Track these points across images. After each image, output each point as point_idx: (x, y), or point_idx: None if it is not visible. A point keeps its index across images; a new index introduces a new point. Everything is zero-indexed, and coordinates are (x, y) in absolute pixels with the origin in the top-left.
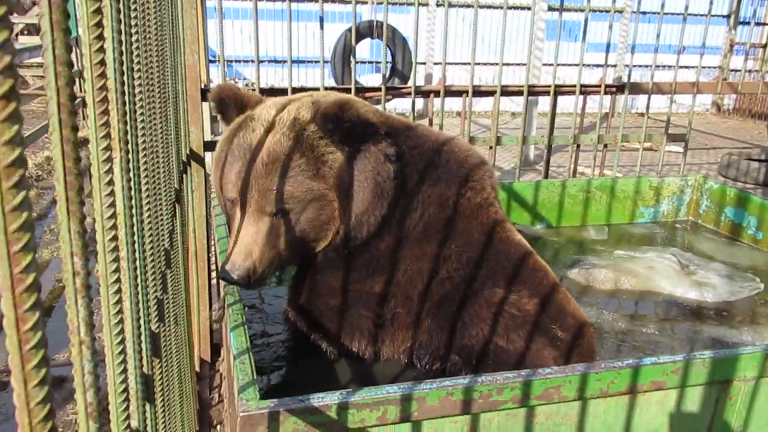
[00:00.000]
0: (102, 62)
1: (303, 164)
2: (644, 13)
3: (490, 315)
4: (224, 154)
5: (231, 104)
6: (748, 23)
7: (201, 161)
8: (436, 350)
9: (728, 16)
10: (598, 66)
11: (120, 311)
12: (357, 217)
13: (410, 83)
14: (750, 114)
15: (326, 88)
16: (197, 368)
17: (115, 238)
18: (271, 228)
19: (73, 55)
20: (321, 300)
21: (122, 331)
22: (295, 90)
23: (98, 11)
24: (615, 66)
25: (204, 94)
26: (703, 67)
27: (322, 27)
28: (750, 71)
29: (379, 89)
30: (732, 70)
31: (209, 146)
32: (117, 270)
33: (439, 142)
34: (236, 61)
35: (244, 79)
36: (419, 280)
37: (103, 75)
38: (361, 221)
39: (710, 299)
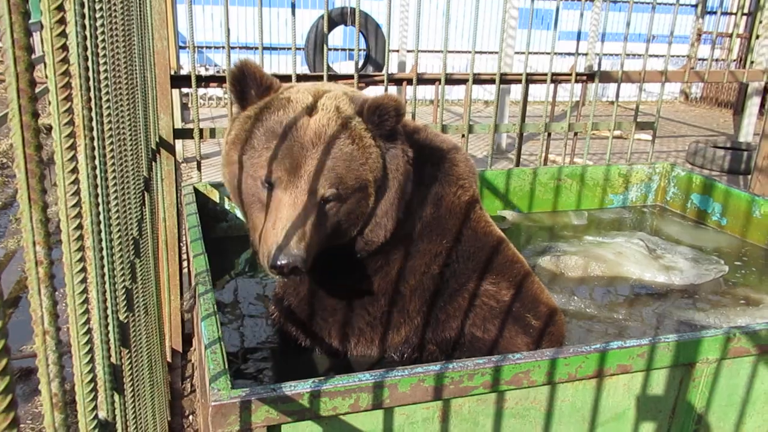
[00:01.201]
0: (64, 47)
1: (354, 150)
2: (615, 1)
3: (471, 307)
4: (254, 134)
5: (254, 84)
6: (715, 13)
7: (171, 149)
8: (420, 345)
9: (696, 6)
10: (569, 54)
11: (86, 301)
12: (377, 219)
13: (383, 71)
14: (717, 102)
15: (298, 76)
16: (169, 358)
17: (80, 227)
18: (320, 212)
19: (36, 41)
20: (318, 302)
21: (88, 321)
22: None
23: None
24: (586, 54)
25: (173, 80)
26: (672, 56)
27: (294, 13)
28: (717, 60)
29: (352, 77)
30: (699, 59)
31: (179, 134)
32: (82, 259)
33: (428, 140)
34: (207, 47)
35: (215, 65)
36: (412, 276)
37: (65, 60)
38: (379, 224)
39: (678, 282)
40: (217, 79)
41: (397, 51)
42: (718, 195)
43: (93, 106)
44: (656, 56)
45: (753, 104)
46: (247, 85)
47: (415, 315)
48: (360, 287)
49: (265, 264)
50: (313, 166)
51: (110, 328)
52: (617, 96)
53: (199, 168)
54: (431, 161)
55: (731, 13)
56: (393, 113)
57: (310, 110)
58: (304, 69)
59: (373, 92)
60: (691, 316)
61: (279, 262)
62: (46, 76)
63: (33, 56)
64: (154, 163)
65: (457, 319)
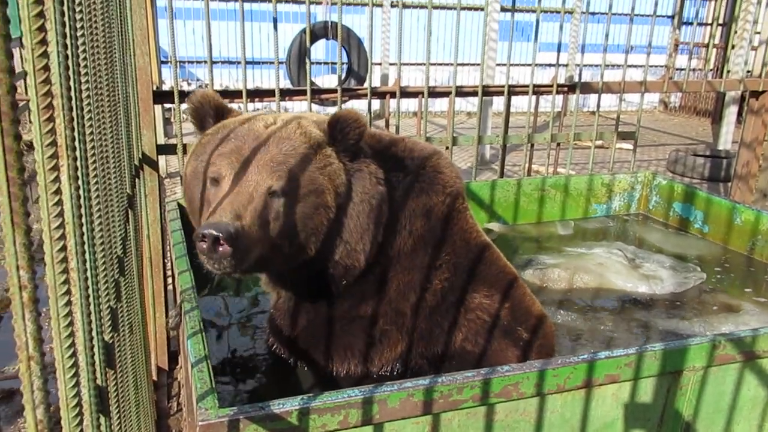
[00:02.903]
0: (46, 67)
1: (311, 154)
2: (593, 13)
3: (466, 321)
4: (212, 142)
5: (212, 113)
6: (691, 23)
7: (154, 165)
8: (408, 359)
9: (672, 17)
10: (550, 66)
11: (71, 323)
12: (349, 245)
13: (366, 84)
14: (695, 111)
15: (282, 90)
16: (154, 377)
17: (63, 248)
18: (264, 204)
19: (16, 58)
20: (314, 330)
21: (73, 343)
22: (249, 92)
23: (41, 14)
24: (566, 65)
25: (156, 96)
26: (650, 66)
27: (276, 27)
28: (694, 70)
29: (335, 91)
30: (677, 69)
31: (162, 150)
32: (67, 281)
33: (409, 150)
34: (189, 62)
35: (198, 80)
36: (411, 293)
37: (47, 81)
38: (355, 249)
39: (659, 292)
40: None
41: (380, 64)
42: (699, 203)
43: (75, 125)
44: (635, 66)
45: (731, 113)
46: (206, 114)
47: (412, 331)
48: (358, 312)
49: (195, 240)
50: (262, 159)
51: (95, 349)
52: (598, 106)
53: (183, 183)
54: (414, 172)
55: (707, 24)
56: (354, 125)
57: (270, 124)
58: (286, 83)
59: (356, 105)
60: (676, 325)
61: (201, 231)
62: (26, 93)
63: (14, 74)
64: (137, 180)
65: (450, 333)
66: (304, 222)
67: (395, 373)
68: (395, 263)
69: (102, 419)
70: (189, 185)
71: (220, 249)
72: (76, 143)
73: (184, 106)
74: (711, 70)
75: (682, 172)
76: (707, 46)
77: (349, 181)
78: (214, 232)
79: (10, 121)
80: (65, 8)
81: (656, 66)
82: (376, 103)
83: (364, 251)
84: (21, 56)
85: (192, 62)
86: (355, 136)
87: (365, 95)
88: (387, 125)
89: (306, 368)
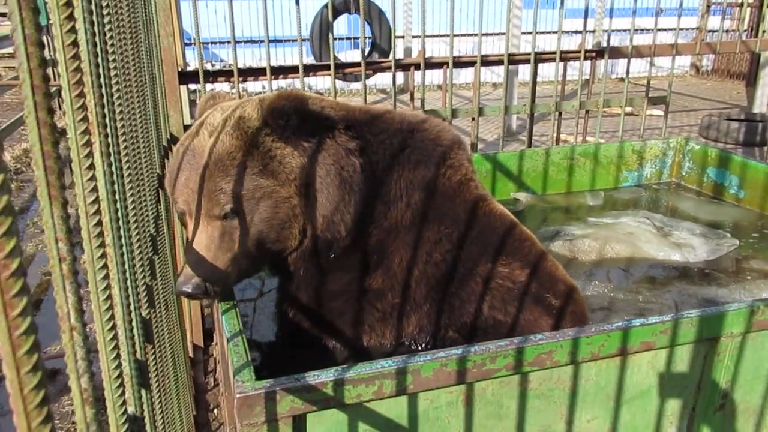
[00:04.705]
0: (74, 43)
1: (248, 161)
2: None
3: (486, 290)
4: (176, 164)
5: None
6: None
7: None
8: (436, 332)
9: None
10: (576, 32)
11: (109, 297)
12: (327, 218)
13: (390, 57)
14: (728, 74)
15: (305, 66)
16: (191, 353)
17: (99, 223)
18: (223, 232)
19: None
20: (323, 304)
21: (113, 317)
22: (273, 69)
23: None
24: (593, 32)
25: (181, 77)
26: (681, 29)
27: (297, 3)
28: (727, 31)
29: (359, 65)
30: (710, 31)
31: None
32: (103, 256)
33: (409, 124)
34: (212, 43)
35: (221, 61)
36: (415, 266)
37: (76, 57)
38: (333, 221)
39: (692, 260)
40: (225, 74)
41: (402, 37)
42: (734, 167)
43: (105, 103)
44: (665, 30)
45: (766, 74)
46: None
47: (422, 303)
48: (363, 285)
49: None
50: (209, 189)
51: (134, 324)
52: (627, 71)
53: None
54: (409, 144)
55: None
56: (290, 110)
57: (214, 131)
58: (309, 60)
59: (380, 79)
60: (713, 293)
61: (178, 289)
62: (56, 78)
63: (44, 49)
64: (166, 160)
65: (472, 303)
66: (270, 224)
67: (426, 346)
68: (393, 237)
69: (143, 392)
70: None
71: (208, 290)
72: (107, 120)
73: (209, 86)
74: (745, 30)
75: (715, 137)
76: (741, 5)
77: (309, 159)
78: (192, 291)
79: (42, 95)
80: None
81: (687, 29)
82: (399, 77)
83: (343, 222)
84: (49, 46)
85: (215, 43)
86: (296, 120)
87: (389, 68)
88: (412, 98)
89: (323, 342)
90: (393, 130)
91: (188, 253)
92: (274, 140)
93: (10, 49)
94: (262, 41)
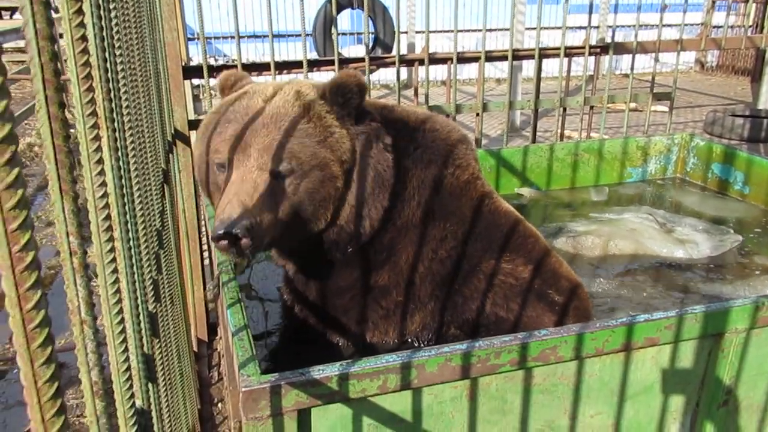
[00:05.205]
0: (83, 38)
1: (310, 128)
2: None
3: (489, 287)
4: (213, 123)
5: (228, 87)
6: None
7: (186, 140)
8: (438, 329)
9: None
10: (580, 28)
11: (118, 291)
12: (355, 209)
13: (393, 52)
14: (733, 70)
15: (309, 61)
16: (195, 347)
17: (108, 218)
18: (270, 189)
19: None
20: (328, 300)
21: (121, 311)
22: (277, 65)
23: None
24: (598, 27)
25: (185, 72)
26: (686, 25)
27: None
28: (732, 27)
29: (362, 60)
30: (714, 27)
31: (193, 125)
32: (112, 250)
33: (419, 122)
34: (215, 37)
35: (225, 56)
36: (420, 263)
37: (85, 51)
38: (360, 214)
39: (695, 256)
40: (229, 68)
41: (406, 32)
42: (740, 163)
43: (113, 98)
44: (670, 26)
45: None
46: (231, 90)
47: (427, 300)
48: (370, 282)
49: (212, 242)
50: (263, 142)
51: (141, 318)
52: (632, 67)
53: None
54: (420, 143)
55: None
56: (355, 88)
57: (268, 98)
58: (312, 55)
59: (383, 75)
60: (717, 289)
61: (218, 232)
62: (68, 68)
63: (55, 42)
64: (170, 155)
65: (475, 300)
66: (313, 196)
67: (428, 343)
68: (403, 235)
69: (150, 386)
70: (198, 168)
71: (241, 243)
72: (114, 115)
73: (213, 81)
74: (750, 26)
75: (720, 133)
76: (746, 0)
77: (353, 145)
78: (232, 231)
79: (54, 89)
80: None
81: (692, 24)
82: (403, 73)
83: (369, 216)
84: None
85: (218, 38)
86: (356, 100)
87: (393, 63)
88: (416, 94)
89: (327, 337)
90: (409, 128)
91: (231, 197)
92: (333, 118)
93: (13, 43)
94: (265, 36)
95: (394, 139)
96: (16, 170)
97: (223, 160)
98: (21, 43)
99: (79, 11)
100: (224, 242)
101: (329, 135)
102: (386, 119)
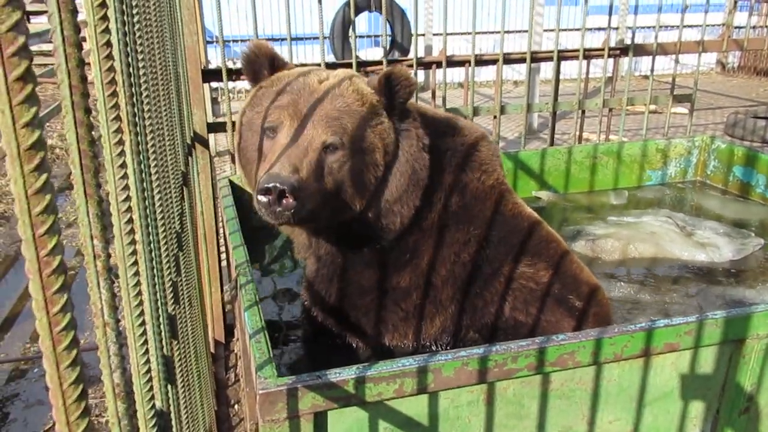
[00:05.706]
0: (108, 43)
1: (365, 112)
2: None
3: (510, 291)
4: (266, 94)
5: (267, 64)
6: None
7: (205, 143)
8: (457, 332)
9: None
10: (599, 29)
11: (139, 294)
12: (389, 204)
13: (411, 55)
14: (755, 71)
15: (327, 65)
16: (212, 349)
17: (130, 221)
18: (320, 158)
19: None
20: (349, 300)
21: (142, 313)
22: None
23: None
24: (617, 29)
25: (204, 75)
26: (708, 25)
27: (320, 1)
28: (754, 27)
29: (380, 63)
30: (736, 27)
31: (212, 128)
32: (134, 253)
33: (449, 126)
34: (234, 40)
35: None
36: (442, 266)
37: (109, 57)
38: (392, 210)
39: (717, 260)
40: None
41: (423, 35)
42: (762, 166)
43: (135, 102)
44: (691, 26)
45: None
46: (261, 65)
47: (448, 304)
48: (391, 284)
49: (255, 196)
50: (318, 114)
51: (161, 320)
52: (652, 68)
53: (233, 161)
54: (449, 147)
55: None
56: (405, 82)
57: (323, 79)
58: (330, 58)
59: None
60: (741, 294)
61: (265, 185)
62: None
63: (81, 49)
64: (189, 158)
65: (495, 304)
66: (355, 178)
67: (446, 347)
68: (428, 237)
69: (169, 387)
70: (243, 135)
71: (284, 202)
72: (137, 119)
73: (231, 84)
74: None
75: (741, 135)
76: None
77: (397, 140)
78: (279, 186)
79: (80, 95)
80: None
81: (713, 25)
82: (420, 76)
83: (400, 213)
84: None
85: (237, 41)
86: (405, 94)
87: (411, 66)
88: (433, 96)
89: (346, 339)
90: (440, 131)
91: (280, 156)
92: (382, 108)
93: (36, 47)
94: (283, 39)
95: (432, 144)
96: (44, 176)
97: (275, 124)
98: (43, 47)
99: (104, 17)
100: (269, 197)
101: (379, 123)
102: (424, 119)
